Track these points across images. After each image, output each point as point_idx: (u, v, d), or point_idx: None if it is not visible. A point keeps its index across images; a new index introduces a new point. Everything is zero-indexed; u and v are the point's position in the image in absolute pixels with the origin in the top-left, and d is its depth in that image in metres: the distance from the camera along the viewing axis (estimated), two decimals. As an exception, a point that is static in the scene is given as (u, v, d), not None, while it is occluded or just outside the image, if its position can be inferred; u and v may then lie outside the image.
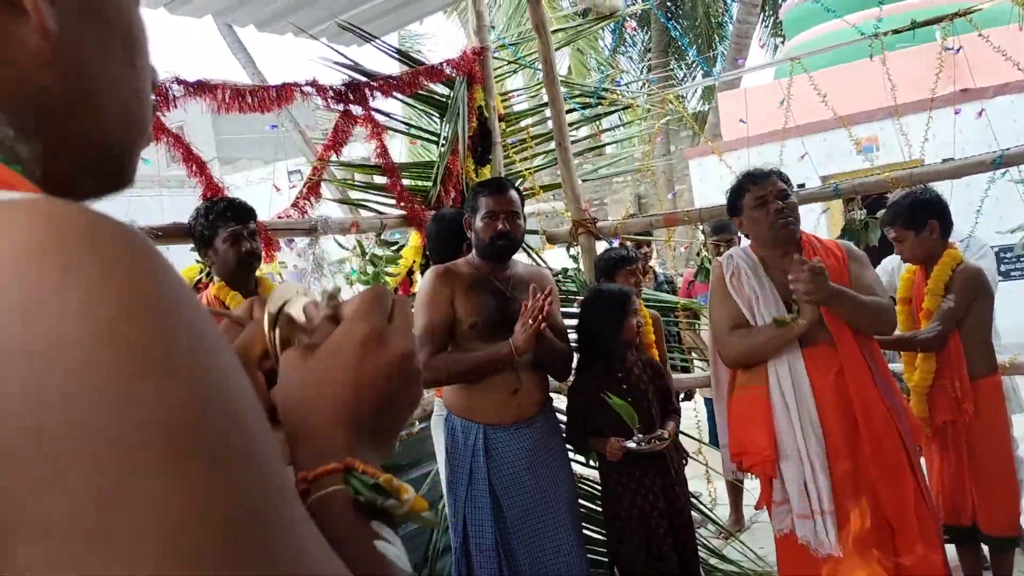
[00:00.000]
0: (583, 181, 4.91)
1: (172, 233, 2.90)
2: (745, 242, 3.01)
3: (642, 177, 4.98)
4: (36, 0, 0.44)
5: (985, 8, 3.81)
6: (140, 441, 0.33)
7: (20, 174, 0.44)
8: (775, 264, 2.80)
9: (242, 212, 2.84)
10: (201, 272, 3.10)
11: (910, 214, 3.15)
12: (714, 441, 4.15)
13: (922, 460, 2.82)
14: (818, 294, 2.55)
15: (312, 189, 3.55)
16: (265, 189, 6.18)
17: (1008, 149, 3.47)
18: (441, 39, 38.22)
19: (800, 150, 4.22)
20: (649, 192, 8.97)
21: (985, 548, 3.26)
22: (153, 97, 0.57)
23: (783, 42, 14.55)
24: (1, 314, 0.33)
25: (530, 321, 2.67)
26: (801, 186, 3.79)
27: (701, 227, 4.49)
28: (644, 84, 6.06)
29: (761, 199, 2.76)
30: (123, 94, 0.51)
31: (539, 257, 4.61)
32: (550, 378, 3.07)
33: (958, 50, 3.81)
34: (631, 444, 2.87)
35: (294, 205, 3.50)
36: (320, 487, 0.53)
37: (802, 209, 2.95)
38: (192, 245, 2.89)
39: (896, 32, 3.84)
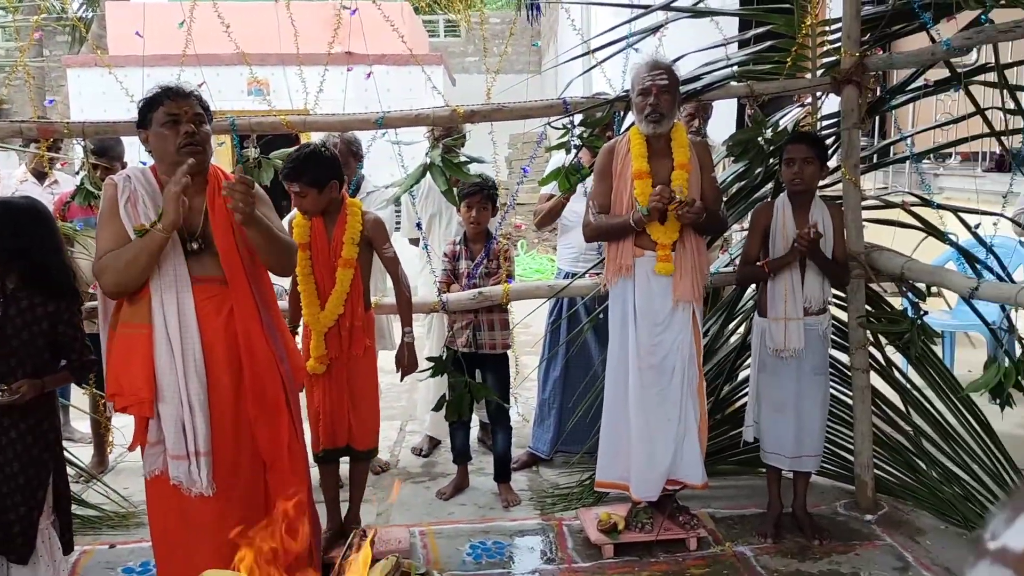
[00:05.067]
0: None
1: None
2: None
3: (7, 79, 4.22)
4: None
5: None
6: None
7: None
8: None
9: None
10: None
11: (317, 171, 3.28)
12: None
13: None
14: (246, 210, 2.50)
15: None
16: None
17: (390, 111, 3.85)
18: None
19: (198, 79, 4.03)
20: (15, 97, 7.79)
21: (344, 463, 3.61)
22: None
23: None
24: None
25: None
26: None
27: (83, 143, 4.03)
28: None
29: (174, 117, 2.59)
30: None
31: None
32: None
33: (354, 11, 4.06)
34: None
35: None
36: None
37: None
38: None
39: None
